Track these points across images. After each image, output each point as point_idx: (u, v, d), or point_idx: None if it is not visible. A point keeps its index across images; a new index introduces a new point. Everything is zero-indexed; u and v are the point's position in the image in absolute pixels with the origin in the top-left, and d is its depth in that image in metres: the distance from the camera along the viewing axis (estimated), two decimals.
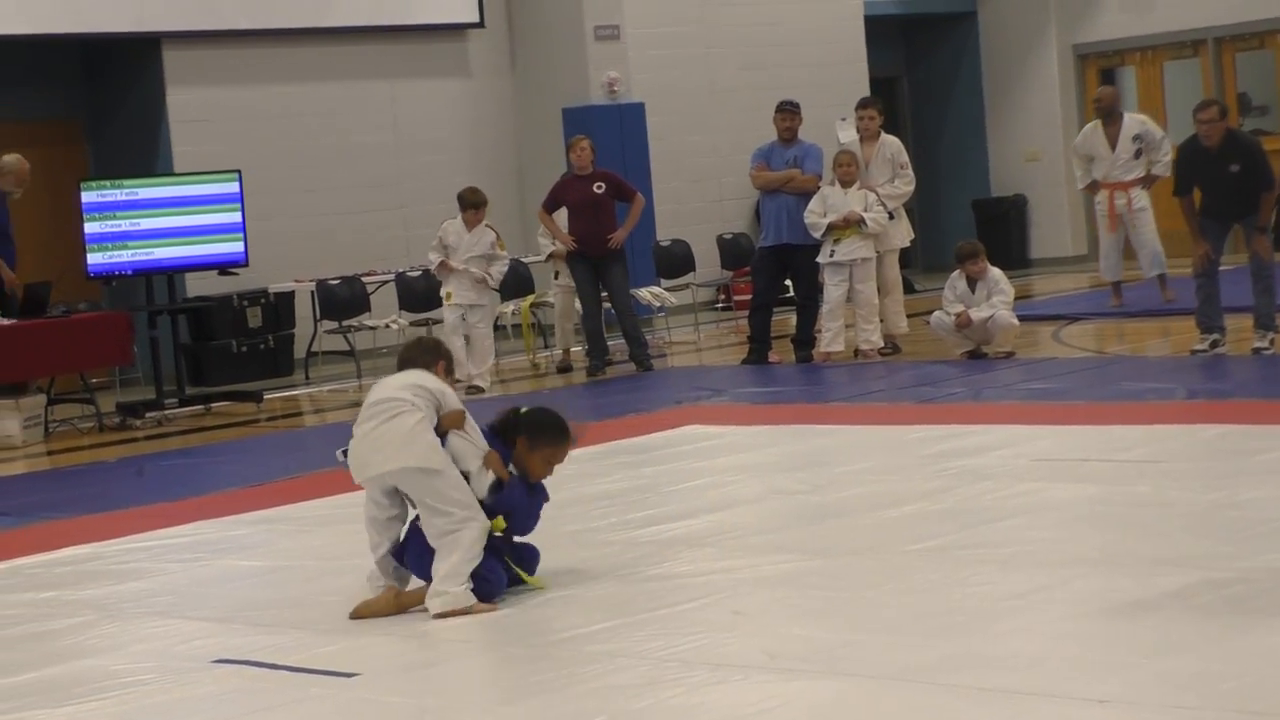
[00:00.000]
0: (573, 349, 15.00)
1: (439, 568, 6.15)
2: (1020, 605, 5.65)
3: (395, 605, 6.28)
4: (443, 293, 14.06)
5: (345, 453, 6.44)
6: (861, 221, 13.32)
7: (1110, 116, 15.11)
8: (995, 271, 12.88)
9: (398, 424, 6.23)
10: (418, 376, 6.43)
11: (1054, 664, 4.99)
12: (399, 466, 6.21)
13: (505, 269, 14.11)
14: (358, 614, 6.26)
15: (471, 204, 13.91)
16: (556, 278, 15.00)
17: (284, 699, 5.35)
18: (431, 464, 6.20)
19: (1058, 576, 5.96)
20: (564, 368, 14.65)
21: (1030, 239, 21.68)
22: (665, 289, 16.59)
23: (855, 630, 5.52)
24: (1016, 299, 13.31)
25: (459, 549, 6.14)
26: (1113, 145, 14.99)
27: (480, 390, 13.62)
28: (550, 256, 14.96)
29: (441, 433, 6.29)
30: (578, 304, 14.75)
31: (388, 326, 15.54)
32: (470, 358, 13.82)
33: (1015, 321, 12.81)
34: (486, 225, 13.97)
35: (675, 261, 17.19)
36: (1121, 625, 5.37)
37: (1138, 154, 14.91)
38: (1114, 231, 15.14)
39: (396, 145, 17.81)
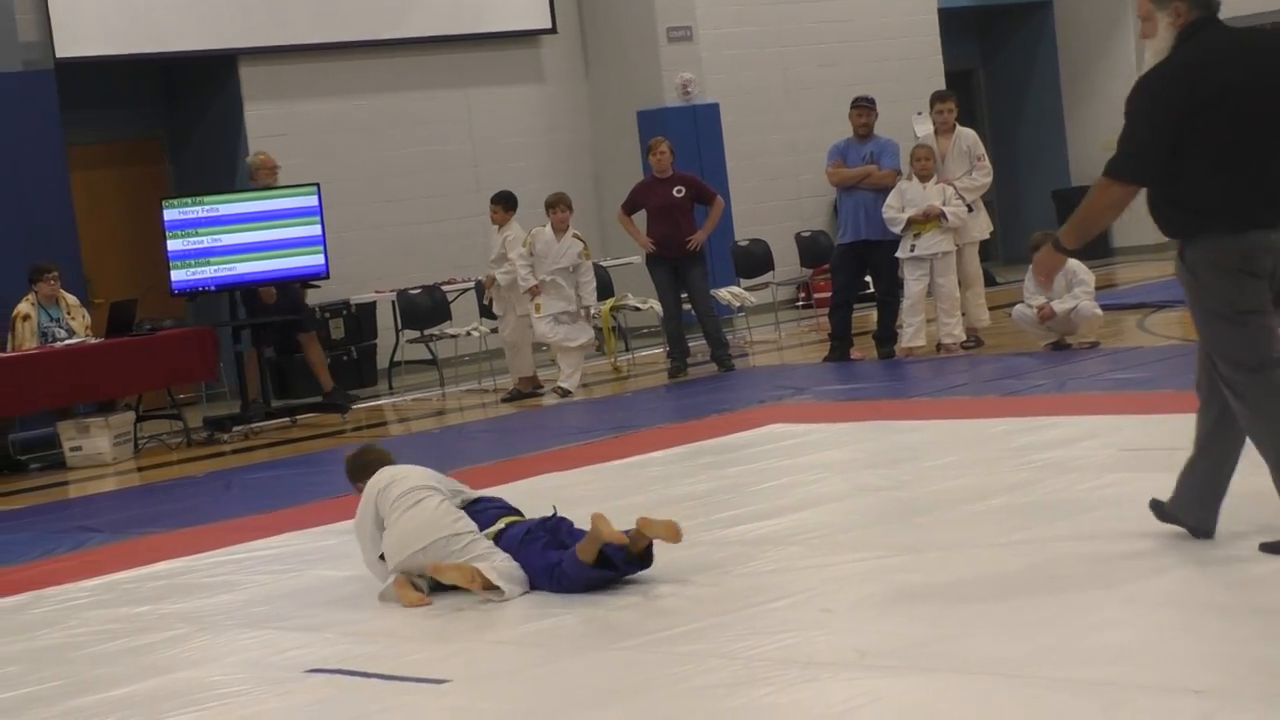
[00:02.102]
0: (528, 374, 14.44)
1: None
2: (1112, 597, 5.60)
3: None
4: (532, 304, 14.12)
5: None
6: (942, 216, 13.25)
7: None
8: (1071, 262, 12.75)
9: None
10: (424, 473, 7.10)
11: (1148, 655, 4.94)
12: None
13: (594, 285, 14.16)
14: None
15: (552, 204, 14.06)
16: (498, 315, 14.50)
17: (376, 707, 5.38)
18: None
19: (1149, 566, 5.91)
20: (529, 393, 14.17)
21: (1112, 228, 21.43)
22: (745, 288, 16.57)
23: (945, 625, 5.49)
24: (1099, 288, 13.20)
25: None
26: None
27: (568, 393, 13.70)
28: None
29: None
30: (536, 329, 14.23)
31: (469, 334, 15.60)
32: (560, 361, 13.94)
33: (1099, 311, 12.70)
34: (574, 235, 14.04)
35: (754, 261, 17.17)
36: (1216, 615, 5.31)
37: None
38: None
39: (474, 153, 17.88)
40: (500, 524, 6.82)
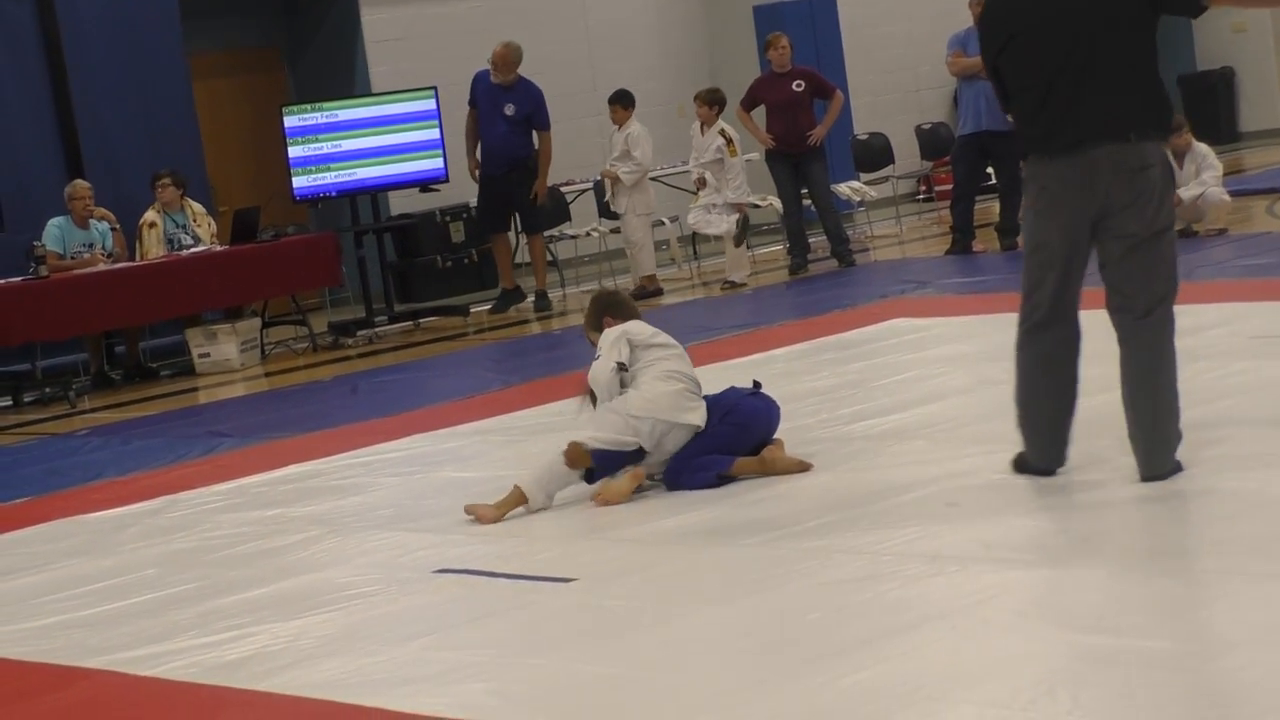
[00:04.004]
0: (649, 273, 14.45)
1: None
2: (1243, 487, 5.53)
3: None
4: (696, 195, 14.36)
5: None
6: None
7: None
8: (1201, 146, 12.54)
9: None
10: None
11: (1275, 544, 4.88)
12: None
13: (737, 180, 14.06)
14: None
15: (704, 100, 14.13)
16: (617, 215, 14.58)
17: (505, 605, 5.44)
18: None
19: None
20: (651, 292, 14.11)
21: (1239, 112, 21.07)
22: (865, 183, 16.44)
23: (1071, 518, 5.46)
24: (1227, 174, 12.95)
25: None
26: None
27: (741, 285, 13.83)
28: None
29: None
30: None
31: (589, 235, 15.61)
32: (726, 256, 14.09)
33: (1227, 197, 12.48)
34: (721, 130, 14.02)
35: (874, 155, 17.02)
36: None
37: None
38: None
39: (589, 53, 17.80)
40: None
